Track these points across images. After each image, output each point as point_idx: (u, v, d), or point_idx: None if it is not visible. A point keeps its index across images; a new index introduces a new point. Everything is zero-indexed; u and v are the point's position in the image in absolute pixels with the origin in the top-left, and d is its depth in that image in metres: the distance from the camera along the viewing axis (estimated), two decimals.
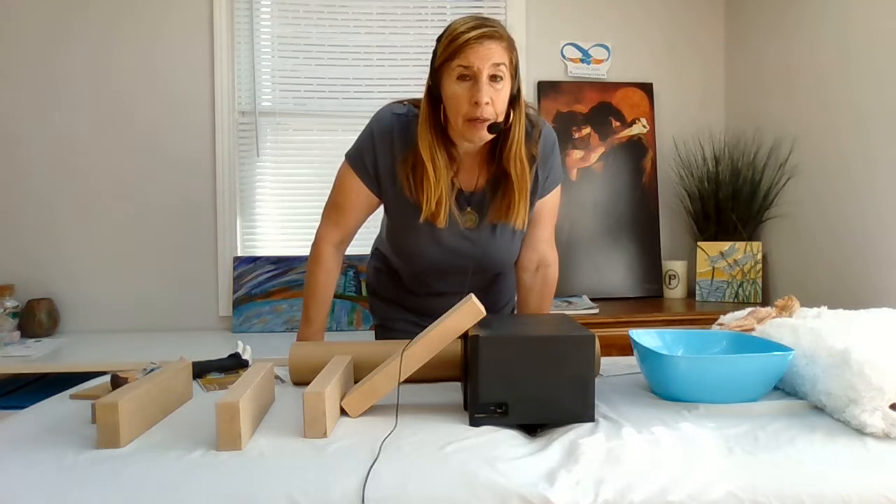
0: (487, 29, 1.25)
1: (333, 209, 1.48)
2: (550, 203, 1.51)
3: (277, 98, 2.67)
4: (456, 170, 1.39)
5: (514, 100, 1.32)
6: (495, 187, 1.41)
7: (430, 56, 1.33)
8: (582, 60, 2.79)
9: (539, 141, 1.41)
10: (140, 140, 2.56)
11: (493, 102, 1.26)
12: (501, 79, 1.27)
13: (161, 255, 2.58)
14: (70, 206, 2.54)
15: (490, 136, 1.31)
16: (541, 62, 2.76)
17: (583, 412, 0.99)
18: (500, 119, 1.29)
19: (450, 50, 1.25)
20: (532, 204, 1.46)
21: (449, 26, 1.29)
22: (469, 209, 1.43)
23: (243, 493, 0.80)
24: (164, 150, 2.57)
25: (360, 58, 2.68)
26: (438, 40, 1.30)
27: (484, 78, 1.25)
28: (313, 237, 1.50)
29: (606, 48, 2.80)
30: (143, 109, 2.56)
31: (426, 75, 1.35)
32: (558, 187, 1.51)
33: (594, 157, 2.74)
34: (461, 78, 1.26)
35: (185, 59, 2.57)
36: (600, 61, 2.80)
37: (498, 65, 1.25)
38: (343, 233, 1.49)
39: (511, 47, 1.29)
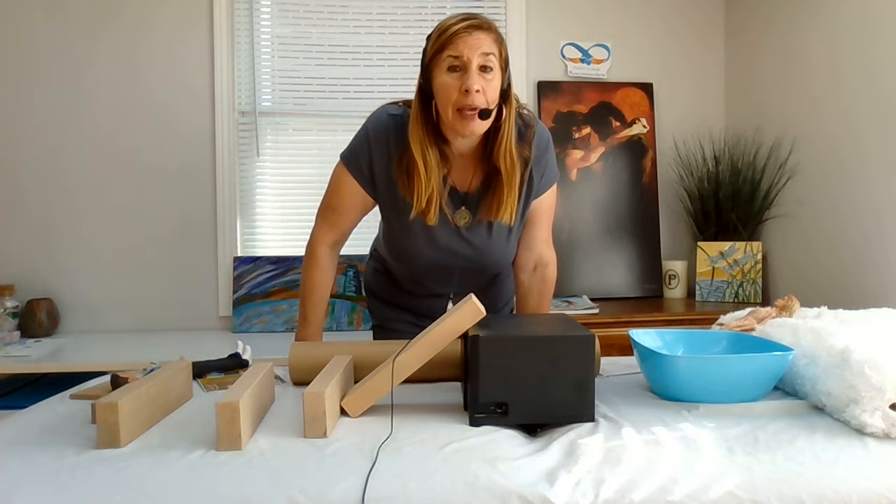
0: (476, 20, 1.27)
1: (328, 210, 1.48)
2: (547, 202, 1.51)
3: (277, 98, 2.67)
4: (449, 168, 1.40)
5: (505, 95, 1.32)
6: (487, 185, 1.41)
7: None
8: (582, 60, 2.78)
9: (533, 141, 1.41)
10: (140, 140, 2.56)
11: (484, 92, 1.27)
12: (491, 69, 1.28)
13: (161, 255, 2.58)
14: (70, 206, 2.54)
15: (482, 128, 1.31)
16: (541, 62, 2.76)
17: (583, 412, 0.99)
18: (492, 108, 1.29)
19: (439, 42, 1.27)
20: (528, 204, 1.46)
21: (438, 24, 1.31)
22: (463, 208, 1.43)
23: (243, 493, 0.80)
24: (164, 151, 2.57)
25: (360, 58, 2.68)
26: (428, 38, 1.32)
27: (474, 67, 1.26)
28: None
29: (606, 48, 2.80)
30: (142, 109, 2.56)
31: None
32: (554, 186, 1.50)
33: (594, 157, 2.74)
34: (451, 69, 1.27)
35: (185, 60, 2.57)
36: (600, 61, 2.80)
37: (487, 54, 1.27)
38: (338, 233, 1.50)
39: (500, 40, 1.30)
